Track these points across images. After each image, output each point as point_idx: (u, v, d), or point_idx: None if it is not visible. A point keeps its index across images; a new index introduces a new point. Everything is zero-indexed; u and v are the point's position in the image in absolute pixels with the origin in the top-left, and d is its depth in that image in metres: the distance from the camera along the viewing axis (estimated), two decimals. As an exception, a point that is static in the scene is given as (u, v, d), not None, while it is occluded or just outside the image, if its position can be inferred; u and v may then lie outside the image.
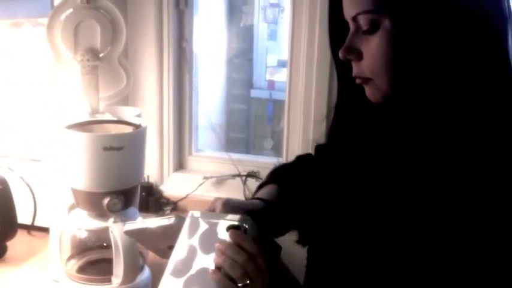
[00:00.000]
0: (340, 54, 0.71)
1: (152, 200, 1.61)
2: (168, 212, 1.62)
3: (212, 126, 1.85)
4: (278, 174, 0.99)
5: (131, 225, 0.91)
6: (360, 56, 0.70)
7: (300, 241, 0.88)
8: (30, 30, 1.28)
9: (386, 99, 0.71)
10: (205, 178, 1.67)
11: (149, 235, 0.88)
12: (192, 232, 0.78)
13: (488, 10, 0.66)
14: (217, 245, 0.74)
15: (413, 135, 0.71)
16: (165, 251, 0.83)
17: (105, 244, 1.12)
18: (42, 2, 1.17)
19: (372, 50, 0.68)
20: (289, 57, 1.59)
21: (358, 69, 0.71)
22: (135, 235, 0.92)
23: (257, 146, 2.63)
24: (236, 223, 0.75)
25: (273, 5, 2.38)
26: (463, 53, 0.66)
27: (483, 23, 0.66)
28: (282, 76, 2.64)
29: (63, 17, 1.10)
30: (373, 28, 0.67)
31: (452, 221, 0.64)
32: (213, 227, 0.77)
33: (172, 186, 1.70)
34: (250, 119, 2.72)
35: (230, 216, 0.77)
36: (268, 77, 2.69)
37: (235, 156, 1.71)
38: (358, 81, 0.72)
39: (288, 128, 1.63)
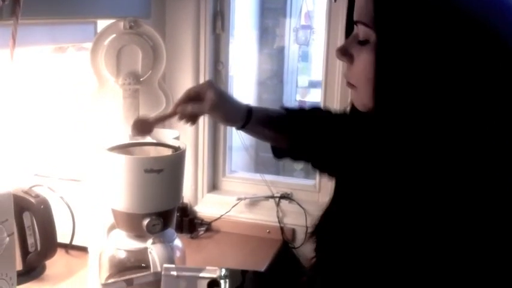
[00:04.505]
0: (335, 53, 0.72)
1: (186, 221, 1.63)
2: (202, 232, 1.63)
3: (245, 146, 1.86)
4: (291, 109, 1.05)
5: (110, 285, 0.93)
6: (351, 60, 0.70)
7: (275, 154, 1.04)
8: (74, 54, 1.32)
9: (367, 111, 0.70)
10: (239, 199, 1.68)
11: None
12: None
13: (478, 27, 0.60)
14: None
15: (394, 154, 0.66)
16: None
17: (143, 265, 1.12)
18: (86, 27, 1.21)
19: (359, 60, 0.68)
20: (323, 78, 1.59)
21: (347, 72, 0.72)
22: None
23: (287, 166, 2.63)
24: (214, 276, 0.75)
25: (304, 27, 2.40)
26: (448, 80, 0.61)
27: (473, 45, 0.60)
28: (312, 96, 2.64)
29: (106, 42, 1.13)
30: (365, 40, 0.67)
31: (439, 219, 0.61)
32: (192, 284, 0.76)
33: (206, 207, 1.71)
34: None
35: (208, 269, 0.76)
36: (298, 98, 2.69)
37: (269, 177, 1.71)
38: (346, 83, 0.72)
39: (321, 149, 1.63)
